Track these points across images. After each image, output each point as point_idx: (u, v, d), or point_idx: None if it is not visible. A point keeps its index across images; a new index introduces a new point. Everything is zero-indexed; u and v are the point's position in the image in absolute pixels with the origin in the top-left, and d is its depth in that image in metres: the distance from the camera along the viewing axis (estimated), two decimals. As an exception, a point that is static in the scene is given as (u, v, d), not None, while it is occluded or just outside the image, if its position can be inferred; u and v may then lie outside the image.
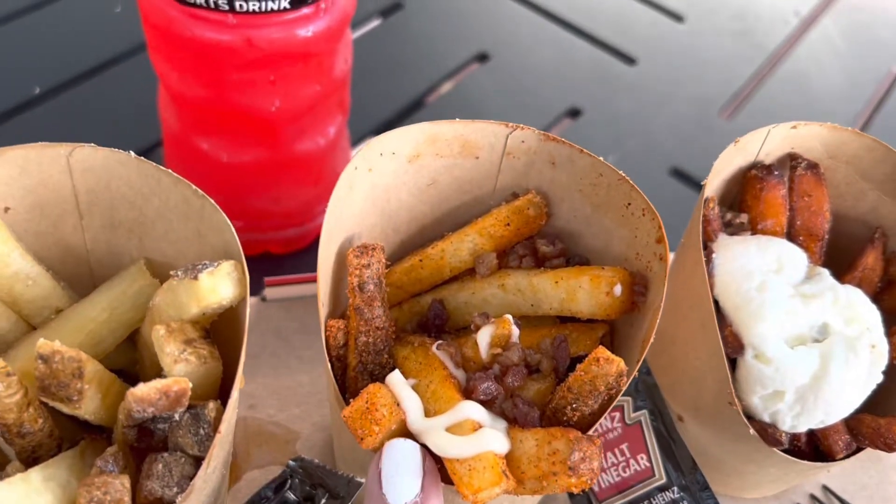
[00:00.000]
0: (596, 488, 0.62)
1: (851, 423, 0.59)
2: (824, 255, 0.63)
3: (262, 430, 0.64)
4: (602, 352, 0.48)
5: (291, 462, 0.58)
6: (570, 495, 0.63)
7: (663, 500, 0.59)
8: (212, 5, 0.64)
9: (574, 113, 1.10)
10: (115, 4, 1.10)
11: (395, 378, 0.52)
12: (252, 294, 0.76)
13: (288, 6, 0.66)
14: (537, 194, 0.58)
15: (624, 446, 0.62)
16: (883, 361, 0.57)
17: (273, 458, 0.63)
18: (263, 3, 0.64)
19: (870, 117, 1.19)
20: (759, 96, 1.18)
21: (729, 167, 0.60)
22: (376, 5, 1.19)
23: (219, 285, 0.46)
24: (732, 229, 0.61)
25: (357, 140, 0.98)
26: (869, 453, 0.71)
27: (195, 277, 0.45)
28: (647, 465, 0.60)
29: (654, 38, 1.24)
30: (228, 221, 0.48)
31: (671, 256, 0.54)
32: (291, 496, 0.58)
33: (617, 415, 0.63)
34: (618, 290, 0.52)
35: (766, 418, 0.57)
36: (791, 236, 0.62)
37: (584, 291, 0.53)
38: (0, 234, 0.50)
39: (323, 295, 0.52)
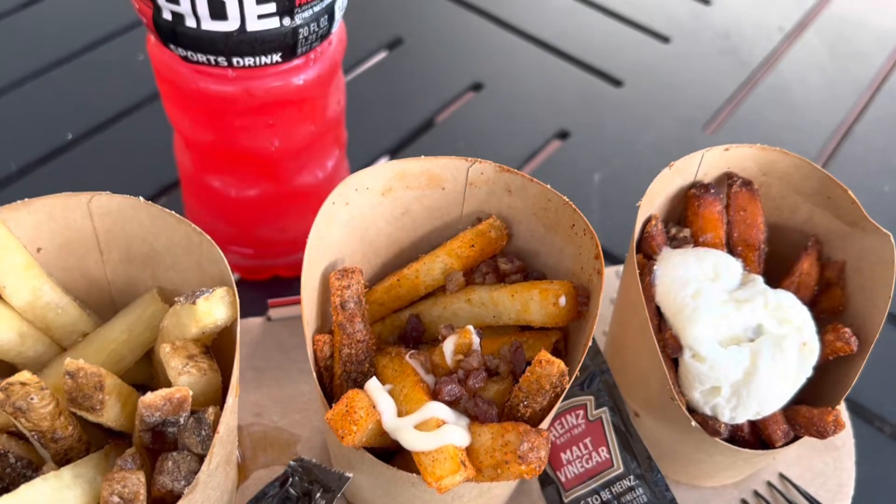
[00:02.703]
0: (563, 479, 0.69)
1: (789, 414, 0.65)
2: (764, 263, 0.70)
3: (268, 434, 0.72)
4: (544, 355, 0.55)
5: (292, 462, 0.66)
6: (542, 486, 0.71)
7: (621, 487, 0.66)
8: (213, 63, 0.73)
9: (563, 135, 1.18)
10: (137, 53, 1.20)
11: (372, 384, 0.60)
12: (259, 314, 0.85)
13: (280, 60, 0.74)
14: (497, 218, 0.66)
15: (587, 440, 0.69)
16: (813, 357, 0.64)
17: (277, 459, 0.71)
18: (257, 59, 0.73)
19: (850, 128, 1.24)
20: (742, 111, 1.25)
21: (669, 188, 0.67)
22: (378, 42, 1.28)
23: (213, 308, 0.54)
24: (677, 243, 0.68)
25: (365, 164, 1.07)
26: (826, 443, 0.78)
27: (194, 302, 0.54)
28: (608, 456, 0.68)
29: (640, 60, 1.31)
30: (222, 254, 0.57)
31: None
32: (292, 492, 0.66)
33: (581, 412, 0.70)
34: (562, 301, 0.60)
35: (708, 411, 0.64)
36: (730, 247, 0.68)
37: (535, 303, 0.61)
38: (34, 271, 0.59)
39: (308, 314, 0.61)
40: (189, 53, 0.72)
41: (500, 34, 1.33)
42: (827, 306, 0.69)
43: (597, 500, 0.67)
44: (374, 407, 0.58)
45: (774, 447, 0.65)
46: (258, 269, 0.94)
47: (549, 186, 0.63)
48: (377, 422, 0.58)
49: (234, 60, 0.73)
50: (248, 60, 0.73)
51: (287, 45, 0.73)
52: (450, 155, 1.04)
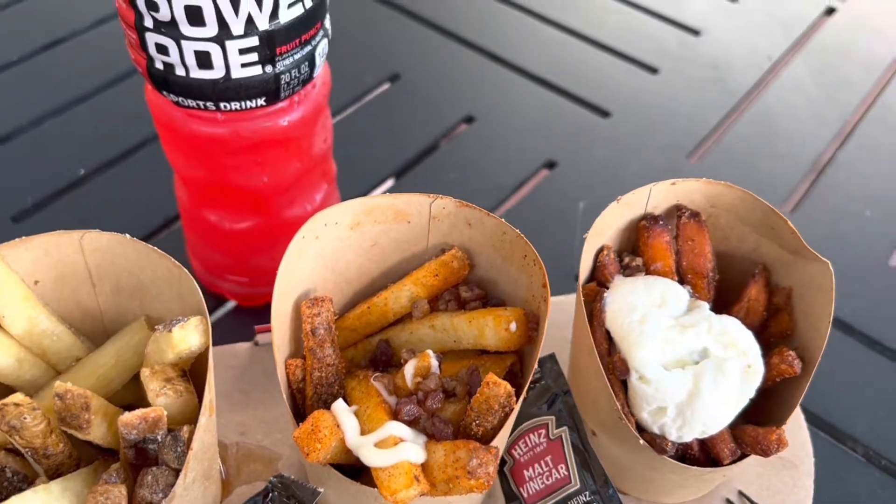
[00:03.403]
0: (525, 494, 0.73)
1: (737, 432, 0.69)
2: (714, 290, 0.74)
3: (251, 452, 0.77)
4: (491, 377, 0.60)
5: (273, 478, 0.71)
6: (507, 502, 0.75)
7: (577, 502, 0.70)
8: (202, 107, 0.79)
9: (550, 165, 1.22)
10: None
11: (338, 405, 0.65)
12: (247, 339, 0.90)
13: (264, 103, 0.80)
14: (459, 250, 0.71)
15: (548, 458, 0.73)
16: (757, 379, 0.68)
17: (259, 475, 0.76)
18: (243, 103, 0.79)
19: (833, 155, 1.28)
20: (727, 140, 1.29)
21: (620, 220, 0.72)
22: (376, 77, 1.34)
23: (188, 336, 0.60)
24: (630, 271, 0.73)
25: (362, 193, 1.13)
26: (785, 461, 0.81)
27: (170, 331, 0.60)
28: (566, 473, 0.72)
29: (628, 91, 1.36)
30: (197, 286, 0.62)
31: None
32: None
33: (543, 431, 0.75)
34: (513, 326, 0.65)
35: (656, 430, 0.68)
36: (681, 275, 0.73)
37: (490, 328, 0.66)
38: (31, 302, 0.65)
39: (279, 340, 0.66)
40: (180, 99, 0.79)
41: (491, 67, 1.39)
42: (776, 330, 0.73)
43: (555, 514, 0.71)
44: (338, 426, 0.63)
45: (722, 465, 0.69)
46: (253, 297, 1.00)
47: (503, 220, 0.68)
48: (341, 440, 0.63)
49: (222, 105, 0.79)
50: (235, 105, 0.79)
51: (270, 89, 0.79)
52: (445, 183, 1.09)
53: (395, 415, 0.64)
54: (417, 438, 0.63)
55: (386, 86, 1.34)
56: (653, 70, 1.40)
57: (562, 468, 0.72)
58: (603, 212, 0.69)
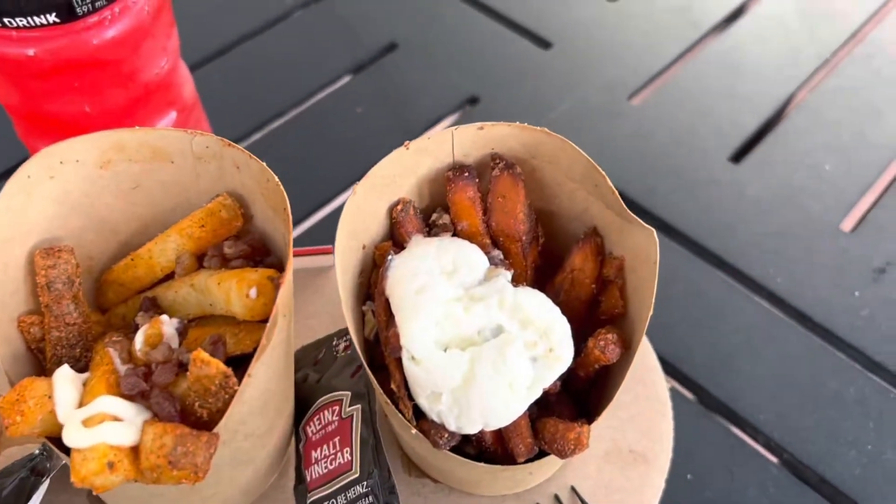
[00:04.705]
0: (309, 478, 0.64)
1: (539, 426, 0.58)
2: (537, 257, 0.62)
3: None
4: (199, 354, 0.50)
5: (41, 445, 0.65)
6: (296, 484, 0.66)
7: (354, 493, 0.61)
8: (-8, 23, 0.70)
9: (473, 101, 1.10)
10: None
11: (59, 373, 0.56)
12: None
13: (58, 20, 0.70)
14: (230, 197, 0.61)
15: (336, 439, 0.64)
16: (560, 365, 0.56)
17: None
18: (31, 19, 0.70)
19: (802, 97, 1.12)
20: (680, 78, 1.13)
21: (420, 169, 0.60)
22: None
23: None
24: (437, 230, 0.61)
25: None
26: (636, 455, 0.70)
27: None
28: (349, 458, 0.62)
29: (579, 20, 1.21)
30: None
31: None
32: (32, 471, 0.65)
33: (337, 408, 0.65)
34: (253, 292, 0.55)
35: (435, 418, 0.57)
36: (492, 237, 0.61)
37: (234, 293, 0.56)
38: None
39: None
40: (-35, 14, 0.69)
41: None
42: (606, 307, 0.61)
43: (333, 504, 0.62)
44: (49, 397, 0.55)
45: (517, 462, 0.58)
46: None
47: (265, 165, 0.57)
48: (50, 413, 0.55)
49: (6, 20, 0.69)
50: (21, 21, 0.70)
51: (60, 3, 0.69)
52: (347, 120, 0.97)
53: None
54: (137, 417, 0.54)
55: (302, 10, 1.22)
56: (612, -4, 1.24)
57: (346, 452, 0.63)
58: (384, 158, 0.57)
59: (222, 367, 0.51)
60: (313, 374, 0.70)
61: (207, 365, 0.50)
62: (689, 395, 0.83)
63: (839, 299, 0.91)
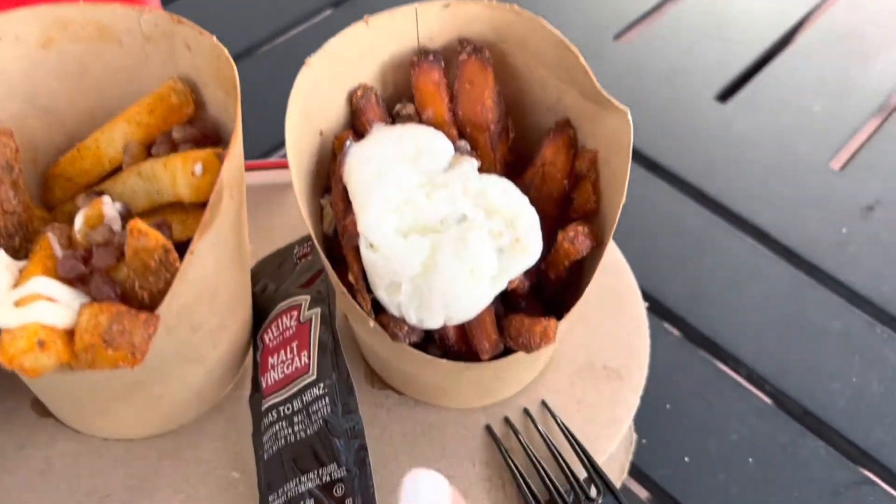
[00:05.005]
0: (265, 384, 0.61)
1: (504, 324, 0.55)
2: (505, 150, 0.59)
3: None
4: (136, 223, 0.47)
5: None
6: (252, 394, 0.63)
7: (311, 395, 0.58)
8: None
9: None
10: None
11: (-6, 257, 0.53)
12: None
13: None
14: (180, 81, 0.57)
15: (294, 344, 0.61)
16: (527, 257, 0.53)
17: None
18: None
19: (791, 38, 1.09)
20: (667, 19, 1.11)
21: (381, 52, 0.57)
22: None
23: None
24: (401, 120, 0.58)
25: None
26: (609, 371, 0.67)
27: None
28: (307, 361, 0.59)
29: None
30: None
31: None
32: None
33: (295, 313, 0.62)
34: (198, 168, 0.51)
35: (395, 312, 0.54)
36: (459, 128, 0.58)
37: (179, 173, 0.53)
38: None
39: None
40: None
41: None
42: (578, 205, 0.58)
43: (288, 408, 0.58)
44: (-18, 281, 0.51)
45: (481, 360, 0.55)
46: None
47: (216, 39, 0.54)
48: (-16, 298, 0.51)
49: None
50: None
51: None
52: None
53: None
54: (75, 301, 0.51)
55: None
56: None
57: (304, 356, 0.60)
58: (341, 32, 0.54)
59: (161, 238, 0.47)
60: (272, 284, 0.67)
61: (146, 236, 0.47)
62: (671, 328, 0.81)
63: (827, 236, 0.88)
